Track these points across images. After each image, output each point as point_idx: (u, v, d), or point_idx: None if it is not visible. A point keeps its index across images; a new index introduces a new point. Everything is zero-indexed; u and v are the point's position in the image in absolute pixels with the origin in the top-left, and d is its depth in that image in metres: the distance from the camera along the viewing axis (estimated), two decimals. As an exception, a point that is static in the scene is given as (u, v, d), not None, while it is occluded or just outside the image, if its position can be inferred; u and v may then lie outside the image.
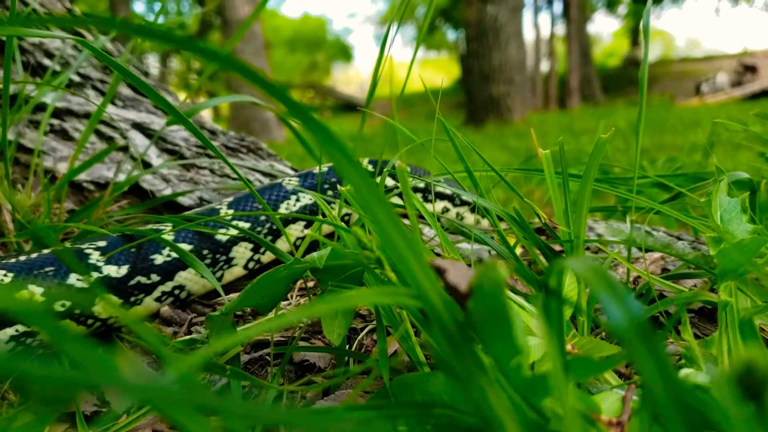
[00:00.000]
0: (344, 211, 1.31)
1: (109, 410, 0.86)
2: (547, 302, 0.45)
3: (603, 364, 0.48)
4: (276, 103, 0.45)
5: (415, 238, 0.43)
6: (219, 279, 1.21)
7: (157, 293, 1.13)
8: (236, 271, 1.22)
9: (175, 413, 0.29)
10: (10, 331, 0.98)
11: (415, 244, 0.43)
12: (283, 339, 0.98)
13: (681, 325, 0.73)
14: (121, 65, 0.85)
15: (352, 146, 1.35)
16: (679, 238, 1.42)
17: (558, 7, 27.47)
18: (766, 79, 18.21)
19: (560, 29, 27.07)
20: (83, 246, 1.08)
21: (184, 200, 1.57)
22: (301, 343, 0.96)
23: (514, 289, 0.81)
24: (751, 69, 20.52)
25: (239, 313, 1.10)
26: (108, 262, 1.07)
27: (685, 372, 0.59)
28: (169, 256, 1.12)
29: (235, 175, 1.69)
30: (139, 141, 1.72)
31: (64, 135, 1.69)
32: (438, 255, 1.06)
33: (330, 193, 1.36)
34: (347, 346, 0.95)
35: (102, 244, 1.09)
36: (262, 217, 1.25)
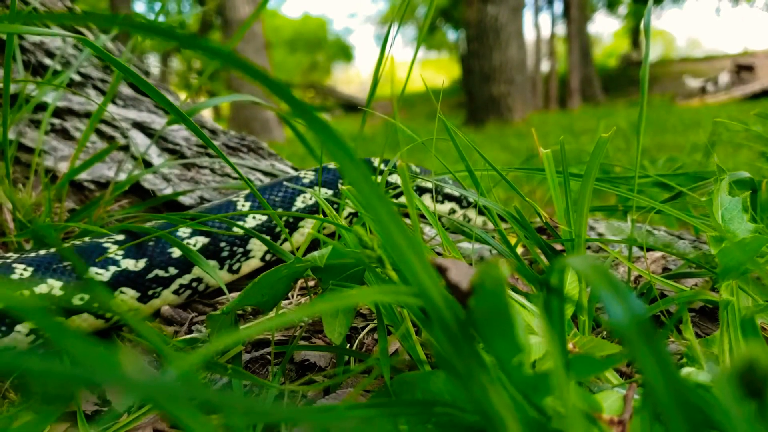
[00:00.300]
0: (349, 210, 1.31)
1: (109, 409, 0.86)
2: (549, 300, 0.45)
3: (604, 362, 0.48)
4: (277, 102, 0.45)
5: (416, 237, 0.43)
6: (236, 271, 1.22)
7: (175, 286, 1.13)
8: (253, 263, 1.23)
9: (176, 410, 0.29)
10: (30, 324, 0.98)
11: (416, 242, 0.43)
12: (283, 338, 0.98)
13: (682, 324, 0.73)
14: (123, 64, 0.85)
15: (353, 146, 1.35)
16: (680, 238, 1.42)
17: (558, 7, 27.48)
18: (767, 79, 18.21)
19: (561, 29, 27.08)
20: (101, 240, 1.09)
21: (185, 199, 1.57)
22: (302, 343, 0.96)
23: (515, 288, 0.81)
24: (747, 69, 20.64)
25: (240, 312, 1.10)
26: (126, 256, 1.08)
27: (686, 371, 0.59)
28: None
29: (235, 175, 1.69)
30: (139, 140, 1.72)
31: (64, 134, 1.69)
32: (439, 254, 1.06)
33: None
34: (348, 345, 0.95)
35: (120, 237, 1.09)
36: (279, 209, 1.26)
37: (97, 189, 1.59)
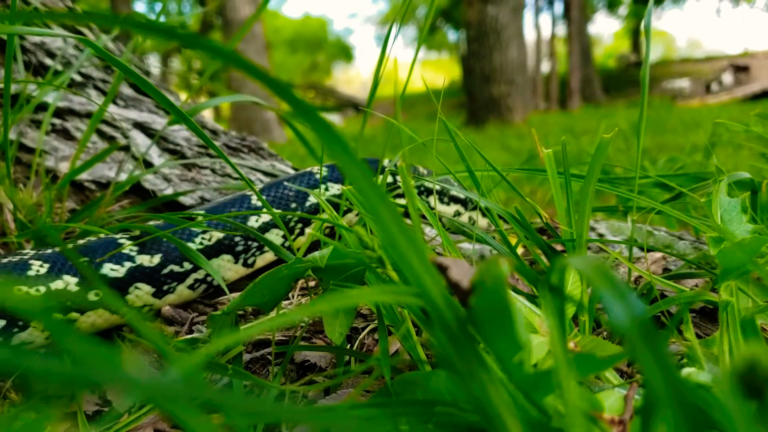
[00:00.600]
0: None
1: (110, 409, 0.86)
2: (550, 297, 0.45)
3: (605, 361, 0.48)
4: (278, 103, 0.45)
5: (417, 236, 0.43)
6: (251, 265, 1.22)
7: (189, 281, 1.14)
8: (268, 257, 1.23)
9: (177, 410, 0.29)
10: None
11: (417, 241, 0.43)
12: (284, 338, 0.98)
13: (683, 324, 0.73)
14: (124, 64, 0.85)
15: (354, 146, 1.35)
16: (680, 238, 1.42)
17: (559, 7, 27.49)
18: (767, 80, 18.24)
19: (561, 30, 27.09)
20: (117, 236, 1.09)
21: (186, 200, 1.57)
22: (303, 343, 0.96)
23: (516, 288, 0.81)
24: (743, 70, 20.88)
25: (240, 312, 1.10)
26: (141, 252, 1.09)
27: (686, 371, 0.59)
28: (201, 243, 1.14)
29: (236, 175, 1.69)
30: (140, 140, 1.72)
31: (65, 134, 1.69)
32: (440, 254, 1.06)
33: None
34: (349, 346, 0.95)
35: (135, 233, 1.10)
36: (293, 205, 1.27)
37: (98, 189, 1.60)
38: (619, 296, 0.38)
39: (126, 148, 1.69)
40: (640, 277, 1.09)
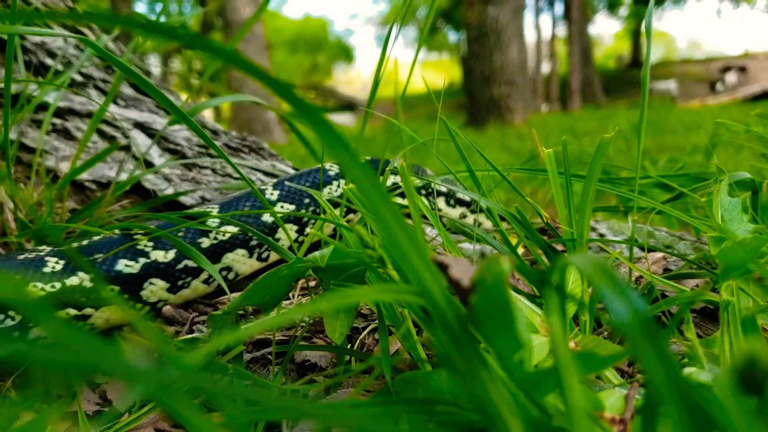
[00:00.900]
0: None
1: (111, 409, 0.86)
2: (551, 295, 0.45)
3: (606, 359, 0.48)
4: (278, 103, 0.45)
5: (418, 235, 0.43)
6: (265, 259, 1.23)
7: (204, 275, 1.15)
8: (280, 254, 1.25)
9: (177, 406, 0.30)
10: (61, 314, 1.00)
11: (417, 240, 0.43)
12: (284, 338, 0.98)
13: (684, 324, 0.73)
14: (124, 64, 0.85)
15: (355, 146, 1.35)
16: (681, 238, 1.42)
17: (559, 8, 27.51)
18: (767, 81, 18.28)
19: (561, 31, 27.10)
20: (131, 231, 1.11)
21: (186, 200, 1.57)
22: (303, 343, 0.96)
23: (517, 288, 0.81)
24: (739, 71, 21.11)
25: (241, 312, 1.10)
26: (155, 247, 1.09)
27: (688, 371, 0.59)
28: (215, 239, 1.15)
29: (237, 175, 1.69)
30: (141, 140, 1.72)
31: (66, 134, 1.69)
32: (440, 254, 1.06)
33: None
34: (349, 345, 0.95)
35: (150, 228, 1.11)
36: (306, 200, 1.28)
37: (99, 189, 1.60)
38: (620, 294, 0.38)
39: (126, 148, 1.69)
40: (641, 277, 1.09)
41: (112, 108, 1.80)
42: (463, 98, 17.84)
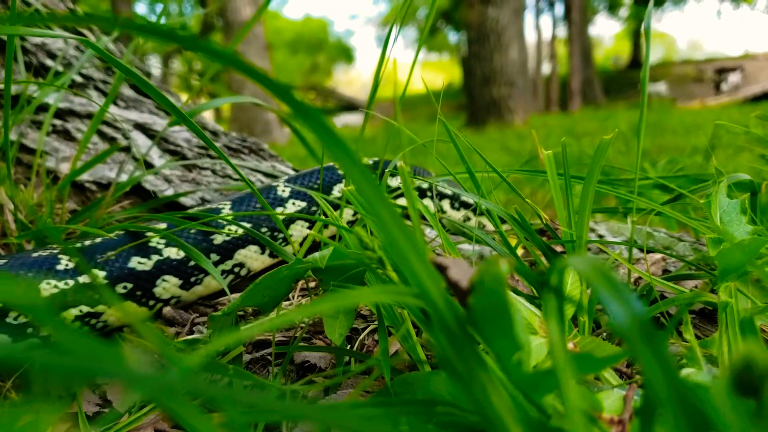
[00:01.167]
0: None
1: (111, 410, 0.87)
2: (549, 296, 0.45)
3: (604, 360, 0.48)
4: (279, 104, 0.45)
5: (417, 237, 0.44)
6: (277, 256, 1.24)
7: (217, 272, 1.15)
8: (294, 248, 1.25)
9: (177, 407, 0.30)
10: (74, 312, 1.01)
11: (416, 242, 0.43)
12: (284, 339, 0.98)
13: (682, 325, 0.74)
14: (124, 65, 0.85)
15: (354, 147, 1.36)
16: (680, 240, 1.42)
17: (559, 9, 27.51)
18: (767, 82, 18.32)
19: (562, 31, 27.10)
20: (143, 229, 1.11)
21: (186, 201, 1.57)
22: (302, 344, 0.96)
23: (516, 289, 0.81)
24: (732, 71, 21.36)
25: (241, 313, 1.11)
26: (168, 245, 1.10)
27: (686, 372, 0.59)
28: (227, 235, 1.15)
29: (237, 176, 1.69)
30: (141, 141, 1.72)
31: (66, 135, 1.70)
32: (439, 255, 1.06)
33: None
34: (348, 346, 0.95)
35: (162, 225, 1.12)
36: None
37: (99, 190, 1.60)
38: (619, 296, 0.38)
39: (127, 149, 1.69)
40: (640, 278, 1.09)
41: (113, 109, 1.80)
42: (463, 99, 17.85)
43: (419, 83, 1.25)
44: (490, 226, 1.52)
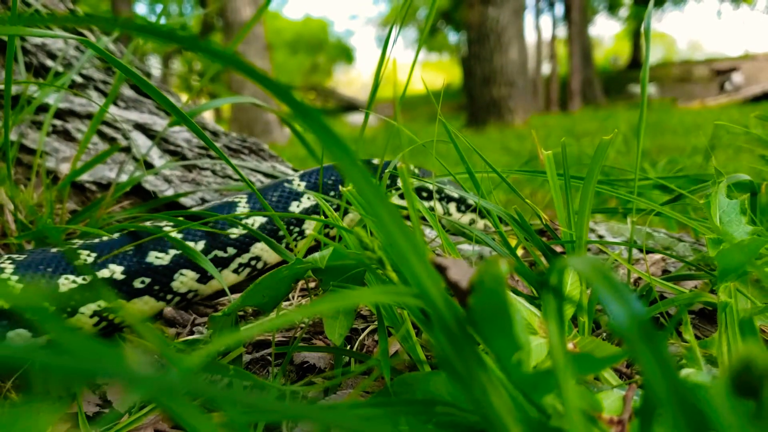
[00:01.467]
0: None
1: (111, 410, 0.87)
2: (549, 297, 0.45)
3: (604, 360, 0.48)
4: (278, 104, 0.45)
5: (416, 237, 0.44)
6: (291, 249, 1.25)
7: (234, 265, 1.17)
8: (308, 241, 1.27)
9: (177, 407, 0.30)
10: (93, 306, 1.02)
11: (416, 242, 0.43)
12: (284, 339, 0.98)
13: (682, 326, 0.74)
14: (125, 65, 0.85)
15: (354, 148, 1.36)
16: (680, 240, 1.42)
17: (559, 9, 27.50)
18: (767, 82, 18.35)
19: (562, 32, 27.09)
20: (161, 223, 1.13)
21: (187, 201, 1.57)
22: (302, 344, 0.96)
23: (516, 290, 0.81)
24: (726, 72, 21.57)
25: (241, 313, 1.11)
26: (185, 239, 1.11)
27: (685, 371, 0.59)
28: (244, 228, 1.16)
29: (237, 176, 1.69)
30: (141, 142, 1.72)
31: (66, 136, 1.70)
32: (439, 255, 1.06)
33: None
34: (348, 347, 0.95)
35: (179, 219, 1.13)
36: (331, 193, 1.31)
37: (99, 190, 1.60)
38: (618, 297, 0.38)
39: (127, 150, 1.69)
40: (640, 278, 1.09)
41: (113, 109, 1.81)
42: (463, 99, 17.84)
43: (419, 83, 1.25)
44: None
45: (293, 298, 1.13)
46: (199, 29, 23.10)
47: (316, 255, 0.78)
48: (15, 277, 0.96)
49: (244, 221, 1.17)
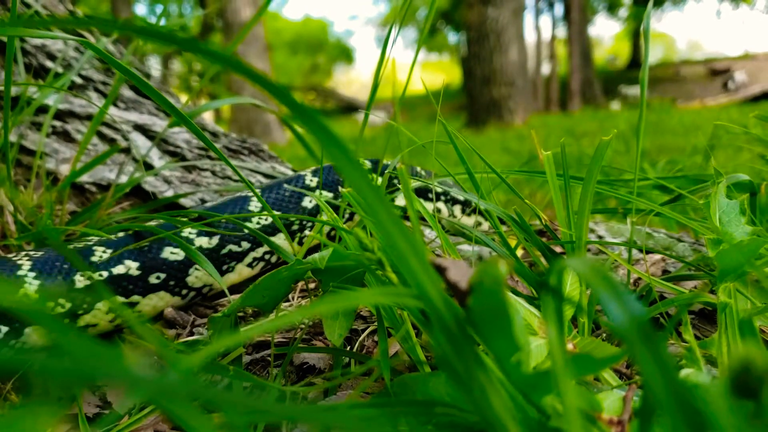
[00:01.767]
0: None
1: (111, 411, 0.87)
2: (548, 297, 0.45)
3: (603, 361, 0.48)
4: (278, 105, 0.45)
5: (416, 238, 0.44)
6: (301, 245, 1.26)
7: (248, 260, 1.18)
8: (316, 238, 1.28)
9: (177, 408, 0.30)
10: (109, 303, 1.03)
11: (416, 243, 0.43)
12: (284, 340, 0.98)
13: (681, 326, 0.74)
14: (124, 66, 0.85)
15: (354, 148, 1.36)
16: (679, 240, 1.42)
17: (559, 9, 27.51)
18: (767, 82, 18.37)
19: (561, 32, 27.10)
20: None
21: (186, 202, 1.57)
22: (302, 345, 0.96)
23: (516, 290, 0.81)
24: (722, 72, 21.74)
25: (241, 314, 1.11)
26: (200, 234, 1.12)
27: (685, 372, 0.59)
28: (258, 223, 1.18)
29: (236, 177, 1.69)
30: (141, 143, 1.72)
31: (66, 137, 1.70)
32: (439, 256, 1.06)
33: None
34: (348, 348, 0.95)
35: (193, 215, 1.14)
36: (340, 187, 1.32)
37: (99, 191, 1.60)
38: (618, 297, 0.38)
39: (126, 150, 1.69)
40: (640, 278, 1.09)
41: (112, 110, 1.81)
42: (463, 99, 17.85)
43: (419, 84, 1.25)
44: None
45: (293, 298, 1.13)
46: (199, 30, 23.11)
47: (316, 256, 0.78)
48: (32, 274, 0.97)
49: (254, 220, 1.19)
